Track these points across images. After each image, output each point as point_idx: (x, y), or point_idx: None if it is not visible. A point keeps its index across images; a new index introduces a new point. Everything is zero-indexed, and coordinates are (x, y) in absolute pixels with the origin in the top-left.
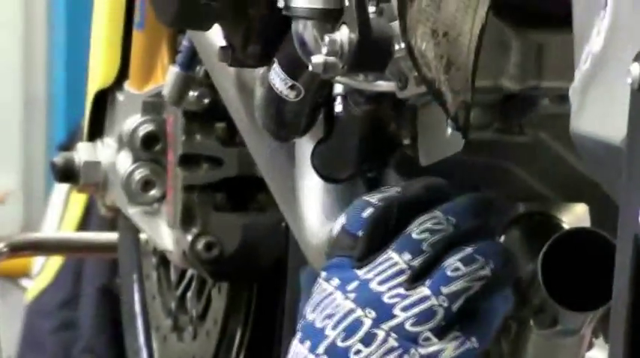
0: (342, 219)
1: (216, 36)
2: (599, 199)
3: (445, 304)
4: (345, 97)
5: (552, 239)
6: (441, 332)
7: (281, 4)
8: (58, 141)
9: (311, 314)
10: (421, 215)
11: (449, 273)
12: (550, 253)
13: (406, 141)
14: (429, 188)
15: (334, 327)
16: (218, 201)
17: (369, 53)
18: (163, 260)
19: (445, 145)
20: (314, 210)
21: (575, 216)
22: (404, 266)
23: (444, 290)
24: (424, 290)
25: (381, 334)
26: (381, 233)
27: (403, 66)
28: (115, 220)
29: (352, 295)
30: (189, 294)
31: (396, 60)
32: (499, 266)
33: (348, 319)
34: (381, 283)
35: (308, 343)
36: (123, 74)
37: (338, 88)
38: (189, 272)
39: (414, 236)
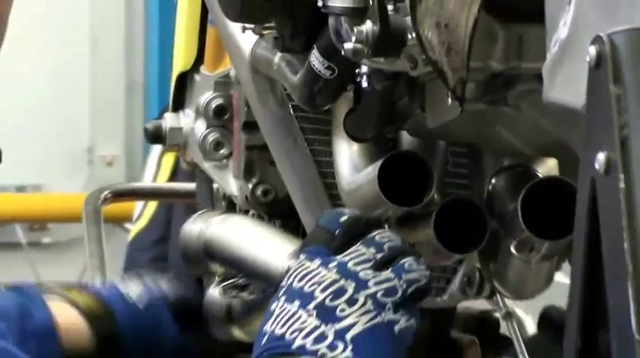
0: (319, 221)
1: (237, 32)
2: (565, 154)
3: (404, 286)
4: (369, 76)
5: (529, 185)
6: (397, 307)
7: (320, 3)
8: (153, 117)
9: (297, 283)
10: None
11: (406, 266)
12: (528, 196)
13: (417, 110)
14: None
15: (323, 291)
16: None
17: (388, 41)
18: (231, 203)
19: (446, 112)
20: (345, 163)
21: (547, 167)
22: (371, 256)
23: (404, 276)
24: (389, 274)
25: (361, 299)
26: (352, 234)
27: (414, 51)
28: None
29: (334, 269)
30: None
31: (409, 46)
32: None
33: (334, 285)
34: (355, 265)
35: (297, 302)
36: (199, 60)
37: (364, 68)
38: (251, 212)
39: (377, 239)
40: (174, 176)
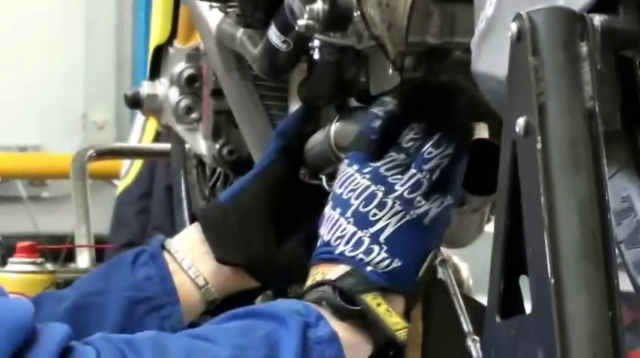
0: (359, 126)
1: (205, 10)
2: (494, 119)
3: (427, 176)
4: (321, 49)
5: None
6: (427, 196)
7: None
8: None
9: (339, 189)
10: (406, 127)
11: (425, 156)
12: None
13: (362, 79)
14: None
15: (357, 197)
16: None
17: (336, 18)
18: (200, 161)
19: (388, 81)
20: None
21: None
22: (401, 161)
23: (425, 167)
24: (412, 171)
25: (389, 202)
26: (386, 137)
27: (359, 27)
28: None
29: (367, 176)
30: (218, 184)
31: (355, 23)
32: (457, 145)
33: (366, 192)
34: (386, 170)
35: (338, 209)
36: (173, 34)
37: (316, 42)
38: (218, 170)
39: (404, 145)
40: (157, 138)
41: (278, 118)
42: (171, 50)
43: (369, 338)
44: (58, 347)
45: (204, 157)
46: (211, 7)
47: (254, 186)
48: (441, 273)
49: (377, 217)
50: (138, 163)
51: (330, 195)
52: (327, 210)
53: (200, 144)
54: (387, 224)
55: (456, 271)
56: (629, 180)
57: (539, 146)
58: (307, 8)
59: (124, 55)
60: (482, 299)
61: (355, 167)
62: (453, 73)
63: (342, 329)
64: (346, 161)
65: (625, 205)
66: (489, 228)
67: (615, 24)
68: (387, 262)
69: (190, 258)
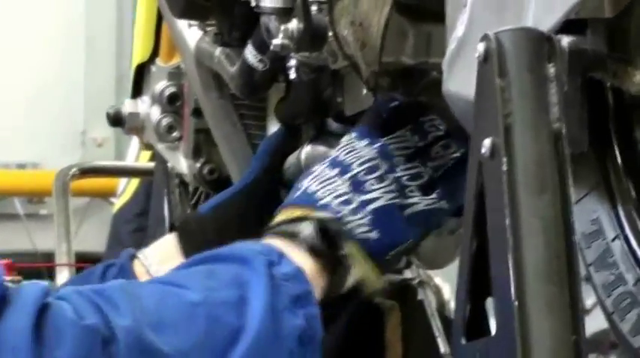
0: (376, 103)
1: (184, 28)
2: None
3: (429, 172)
4: (297, 68)
5: None
6: (423, 189)
7: (253, 3)
8: None
9: (343, 155)
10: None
11: (433, 154)
12: None
13: (339, 99)
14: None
15: (360, 165)
16: None
17: (311, 37)
18: (182, 180)
19: (362, 101)
20: None
21: None
22: (413, 143)
23: (430, 164)
24: (417, 162)
25: (388, 179)
26: (401, 119)
27: (334, 46)
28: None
29: (376, 149)
30: (199, 204)
31: (330, 42)
32: (466, 151)
33: (371, 162)
34: (395, 149)
35: (337, 169)
36: (155, 53)
37: (293, 62)
38: (200, 189)
39: (425, 127)
40: (154, 156)
41: (257, 138)
42: (153, 68)
43: (332, 280)
44: (35, 306)
45: (185, 176)
46: (190, 25)
47: (235, 201)
48: (421, 294)
49: (373, 187)
50: (135, 181)
51: (328, 158)
52: (319, 168)
53: (181, 162)
54: (380, 197)
55: (438, 292)
56: (598, 202)
57: (504, 167)
58: (282, 28)
59: (124, 73)
60: None
61: (365, 141)
62: (430, 94)
63: (306, 265)
64: (354, 134)
65: (594, 228)
66: None
67: (583, 45)
68: (365, 229)
69: (163, 271)
